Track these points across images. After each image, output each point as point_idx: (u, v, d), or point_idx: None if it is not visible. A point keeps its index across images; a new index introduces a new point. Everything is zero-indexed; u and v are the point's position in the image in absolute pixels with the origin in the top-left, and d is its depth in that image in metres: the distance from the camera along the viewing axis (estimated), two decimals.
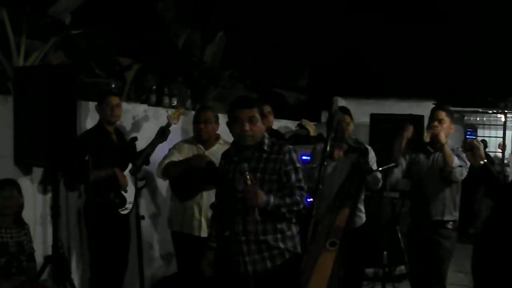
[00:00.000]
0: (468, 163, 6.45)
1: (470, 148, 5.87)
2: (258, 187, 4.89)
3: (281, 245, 5.07)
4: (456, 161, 6.52)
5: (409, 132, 7.00)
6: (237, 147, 5.20)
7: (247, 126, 5.00)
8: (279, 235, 5.06)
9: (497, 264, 4.77)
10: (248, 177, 4.87)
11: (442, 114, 6.75)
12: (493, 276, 4.87)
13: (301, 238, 5.49)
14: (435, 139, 6.68)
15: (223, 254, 5.27)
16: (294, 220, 5.20)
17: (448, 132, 6.78)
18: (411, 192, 7.14)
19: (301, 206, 5.00)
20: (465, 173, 6.60)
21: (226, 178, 5.20)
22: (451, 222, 6.74)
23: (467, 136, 6.01)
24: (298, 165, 5.08)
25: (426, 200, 6.77)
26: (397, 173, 7.00)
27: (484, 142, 15.37)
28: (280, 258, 5.07)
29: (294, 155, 5.08)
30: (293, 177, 5.02)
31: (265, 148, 5.10)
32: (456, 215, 6.77)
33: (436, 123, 6.74)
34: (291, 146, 5.16)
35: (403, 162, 7.02)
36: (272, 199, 4.88)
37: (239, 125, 5.03)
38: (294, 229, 5.21)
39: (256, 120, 5.04)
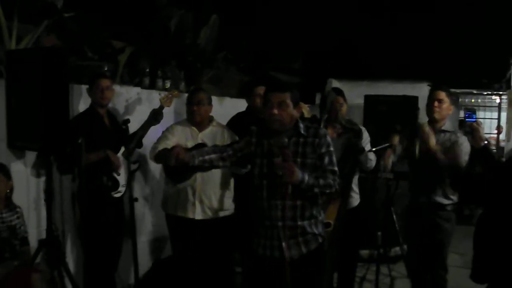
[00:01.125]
0: (467, 147, 6.39)
1: (470, 130, 5.85)
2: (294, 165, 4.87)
3: (315, 230, 5.12)
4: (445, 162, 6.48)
5: (395, 140, 6.98)
6: (269, 131, 5.16)
7: (276, 110, 4.99)
8: (313, 220, 5.11)
9: (498, 238, 4.76)
10: (286, 152, 4.87)
11: (442, 95, 6.69)
12: (493, 248, 4.86)
13: None
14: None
15: (257, 239, 5.24)
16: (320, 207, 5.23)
17: (447, 113, 6.74)
18: (410, 173, 7.11)
19: (333, 189, 5.01)
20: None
21: (258, 159, 5.19)
22: (450, 204, 6.71)
23: (466, 119, 5.97)
24: (331, 148, 5.09)
25: (425, 182, 6.73)
26: (392, 157, 6.99)
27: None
28: (314, 243, 5.12)
29: (329, 139, 5.12)
30: (326, 160, 5.04)
31: (302, 132, 5.10)
32: (455, 197, 6.73)
33: (436, 103, 6.70)
34: (325, 130, 5.23)
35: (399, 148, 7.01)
36: (307, 177, 4.87)
37: (268, 108, 5.03)
38: (323, 214, 5.28)
39: (286, 106, 5.01)
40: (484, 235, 4.94)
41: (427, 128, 6.60)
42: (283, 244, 5.00)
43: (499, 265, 4.76)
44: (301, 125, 5.13)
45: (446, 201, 6.67)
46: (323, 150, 5.04)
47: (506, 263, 4.68)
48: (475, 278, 5.02)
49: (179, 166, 6.11)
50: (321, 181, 4.95)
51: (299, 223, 5.04)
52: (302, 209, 5.04)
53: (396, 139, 6.95)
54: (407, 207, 7.09)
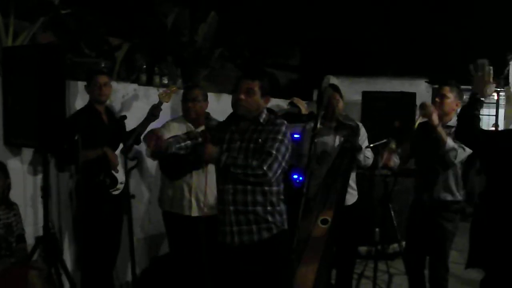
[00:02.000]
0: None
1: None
2: (212, 145, 5.04)
3: (270, 218, 5.07)
4: (449, 143, 6.41)
5: (393, 146, 6.97)
6: (235, 118, 5.25)
7: (242, 96, 5.07)
8: (269, 208, 5.08)
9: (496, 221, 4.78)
10: (205, 135, 5.12)
11: (445, 90, 6.63)
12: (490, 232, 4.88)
13: (293, 216, 5.50)
14: (428, 121, 6.57)
15: (218, 226, 5.28)
16: (282, 196, 5.20)
17: (451, 109, 6.67)
18: (416, 170, 7.07)
19: (259, 171, 4.91)
20: (461, 156, 6.48)
21: (223, 147, 5.21)
22: (455, 205, 6.67)
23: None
24: (281, 137, 5.05)
25: (429, 180, 6.69)
26: (395, 159, 6.98)
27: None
28: (267, 232, 5.08)
29: (282, 128, 5.10)
30: (268, 142, 5.01)
31: (261, 120, 5.14)
32: (459, 196, 6.68)
33: (437, 99, 6.67)
34: (285, 122, 5.19)
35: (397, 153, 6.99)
36: (224, 157, 4.95)
37: (236, 94, 5.12)
38: (283, 205, 5.22)
39: (253, 93, 5.09)
40: (482, 221, 4.97)
41: (430, 105, 6.56)
42: (234, 228, 5.09)
43: (495, 249, 4.78)
44: (263, 116, 5.19)
45: (450, 198, 6.62)
46: (270, 135, 5.04)
47: (503, 247, 4.70)
48: (471, 263, 5.05)
49: (174, 163, 6.13)
50: (240, 161, 4.96)
51: (250, 208, 5.04)
52: (253, 194, 5.04)
53: (393, 144, 6.95)
54: (410, 204, 7.04)
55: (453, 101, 6.60)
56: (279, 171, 5.03)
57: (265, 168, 4.91)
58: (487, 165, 5.11)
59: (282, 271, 5.21)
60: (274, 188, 5.11)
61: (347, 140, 6.81)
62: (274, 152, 4.96)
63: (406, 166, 7.24)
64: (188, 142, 5.28)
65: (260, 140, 5.05)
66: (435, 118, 6.41)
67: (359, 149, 6.78)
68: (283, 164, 5.04)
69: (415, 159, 7.03)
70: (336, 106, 6.92)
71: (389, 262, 8.42)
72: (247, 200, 5.04)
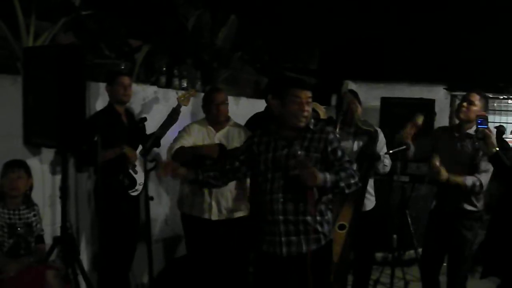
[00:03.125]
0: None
1: (482, 137, 5.88)
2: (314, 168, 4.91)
3: (319, 228, 5.08)
4: (469, 182, 6.42)
5: (419, 120, 6.92)
6: (279, 126, 5.24)
7: (307, 107, 5.08)
8: (318, 217, 5.08)
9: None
10: (301, 157, 4.98)
11: (475, 97, 6.49)
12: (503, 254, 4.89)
13: None
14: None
15: (259, 234, 5.26)
16: (330, 206, 5.23)
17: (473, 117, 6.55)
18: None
19: (357, 178, 5.02)
20: (486, 181, 6.46)
21: (263, 156, 5.22)
22: (475, 212, 6.62)
23: (478, 126, 5.93)
24: (341, 143, 5.22)
25: (452, 189, 6.60)
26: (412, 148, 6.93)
27: (502, 128, 15.30)
28: (316, 243, 5.08)
29: (337, 135, 5.24)
30: (339, 153, 5.09)
31: (311, 127, 5.16)
32: (480, 205, 6.63)
33: (465, 104, 6.58)
34: (331, 127, 5.26)
35: (412, 147, 6.94)
36: (328, 175, 4.89)
37: (298, 105, 5.07)
38: (330, 214, 5.24)
39: (311, 103, 5.15)
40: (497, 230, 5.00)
41: (436, 163, 6.52)
42: (282, 239, 5.05)
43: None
44: (312, 121, 5.22)
45: (470, 208, 6.58)
46: (335, 145, 5.10)
47: None
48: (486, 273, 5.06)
49: (196, 166, 6.14)
50: (342, 174, 4.96)
51: (301, 217, 5.03)
52: (304, 203, 5.02)
53: (420, 119, 6.90)
54: (430, 211, 6.99)
55: (479, 110, 6.46)
56: None
57: (358, 175, 5.07)
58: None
59: (327, 282, 5.22)
60: (324, 197, 5.12)
61: (367, 146, 6.80)
62: (350, 159, 5.17)
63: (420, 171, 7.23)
64: (217, 173, 5.36)
65: (314, 149, 5.09)
66: (444, 174, 6.41)
67: (377, 158, 6.77)
68: None
69: None
70: (355, 111, 6.91)
71: (406, 269, 8.39)
72: (298, 209, 5.03)
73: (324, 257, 5.17)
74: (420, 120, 6.91)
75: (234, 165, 5.40)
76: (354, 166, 5.10)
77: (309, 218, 5.03)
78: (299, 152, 4.99)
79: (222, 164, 5.48)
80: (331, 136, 5.11)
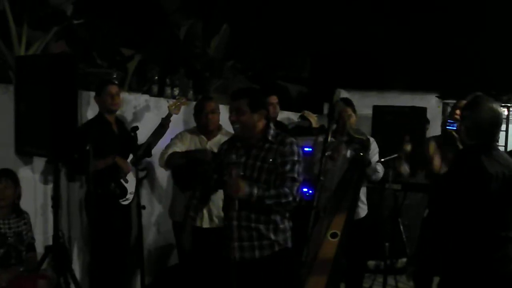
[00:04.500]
0: None
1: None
2: (241, 180, 4.96)
3: (272, 237, 5.08)
4: None
5: (407, 148, 6.95)
6: (240, 137, 5.29)
7: (233, 117, 5.13)
8: (271, 226, 5.09)
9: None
10: (233, 169, 5.00)
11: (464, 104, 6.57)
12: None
13: (302, 229, 5.50)
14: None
15: (220, 239, 5.32)
16: (287, 215, 5.21)
17: None
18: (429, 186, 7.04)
19: (290, 198, 4.97)
20: None
21: (225, 164, 5.25)
22: None
23: (446, 127, 5.97)
24: (297, 158, 5.09)
25: None
26: (406, 167, 6.95)
27: None
28: (269, 249, 5.09)
29: (295, 148, 5.12)
30: (287, 167, 5.03)
31: (270, 138, 5.15)
32: None
33: (457, 111, 6.58)
34: (294, 139, 5.18)
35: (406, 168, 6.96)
36: (255, 190, 4.91)
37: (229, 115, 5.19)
38: (287, 223, 5.24)
39: (242, 113, 5.11)
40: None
41: (432, 148, 6.54)
42: (235, 244, 5.09)
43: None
44: (271, 132, 5.19)
45: None
46: (288, 158, 5.05)
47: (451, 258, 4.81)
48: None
49: (188, 174, 6.15)
50: (273, 192, 4.96)
51: (253, 225, 5.06)
52: (257, 212, 5.03)
53: (408, 147, 6.93)
54: (423, 218, 7.00)
55: None
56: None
57: (295, 195, 5.00)
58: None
59: None
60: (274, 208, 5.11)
61: (357, 154, 6.81)
62: (296, 176, 5.03)
63: (415, 179, 7.24)
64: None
65: (270, 160, 5.07)
66: (436, 165, 6.44)
67: (368, 163, 6.79)
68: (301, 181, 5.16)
69: (426, 174, 7.02)
70: (347, 120, 6.91)
71: (398, 277, 8.39)
72: (250, 216, 5.05)
73: (278, 265, 5.14)
74: (408, 148, 6.94)
75: (208, 173, 5.49)
76: (296, 185, 5.00)
77: (261, 226, 5.06)
78: (233, 156, 5.03)
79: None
80: (287, 148, 5.07)
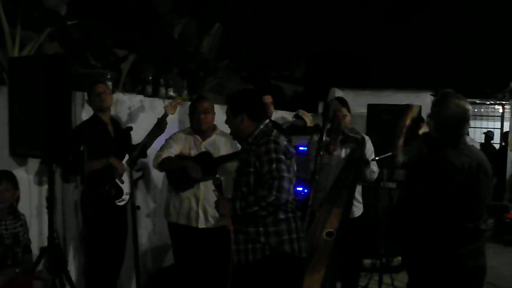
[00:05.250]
0: None
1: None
2: (223, 200, 5.16)
3: (262, 239, 5.04)
4: None
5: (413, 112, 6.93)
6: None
7: (225, 122, 5.34)
8: (261, 229, 5.05)
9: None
10: (215, 191, 5.22)
11: None
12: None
13: None
14: None
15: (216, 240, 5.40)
16: (282, 216, 5.10)
17: None
18: None
19: (271, 198, 4.90)
20: None
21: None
22: None
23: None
24: (273, 155, 4.99)
25: None
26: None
27: (490, 134, 15.36)
28: (260, 253, 5.07)
29: (270, 146, 5.03)
30: (265, 168, 4.98)
31: (250, 140, 5.21)
32: None
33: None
34: (271, 137, 5.11)
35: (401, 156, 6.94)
36: (238, 204, 4.99)
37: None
38: (284, 226, 5.11)
39: (227, 118, 5.35)
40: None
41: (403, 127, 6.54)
42: (233, 247, 5.14)
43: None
44: (255, 133, 5.22)
45: None
46: (263, 158, 5.00)
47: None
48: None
49: (183, 174, 6.15)
50: (251, 198, 4.97)
51: (243, 228, 5.08)
52: (246, 215, 5.04)
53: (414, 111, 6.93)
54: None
55: None
56: (291, 186, 5.06)
57: (274, 193, 4.89)
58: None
59: None
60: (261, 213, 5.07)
61: (355, 150, 6.81)
62: (275, 174, 4.93)
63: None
64: None
65: (246, 163, 5.11)
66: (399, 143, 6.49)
67: (366, 162, 6.79)
68: (292, 177, 5.07)
69: None
70: (342, 119, 6.91)
71: (394, 275, 8.39)
72: (241, 220, 5.07)
73: (269, 268, 5.08)
74: (414, 111, 6.93)
75: None
76: (277, 182, 4.96)
77: (251, 229, 5.06)
78: (217, 176, 5.17)
79: None
80: (262, 148, 5.03)
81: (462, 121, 4.83)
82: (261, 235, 5.05)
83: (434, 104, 4.95)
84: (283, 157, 5.03)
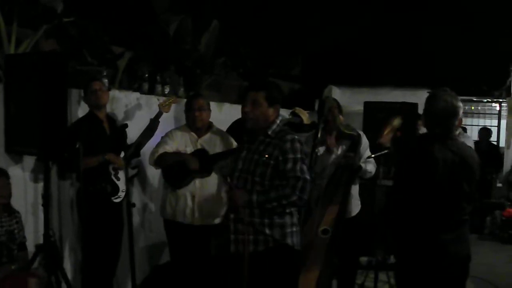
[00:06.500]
0: None
1: None
2: (238, 189, 5.04)
3: (267, 231, 5.04)
4: None
5: (396, 123, 6.95)
6: (248, 130, 5.31)
7: (247, 108, 5.11)
8: (266, 220, 5.04)
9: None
10: (228, 182, 5.16)
11: None
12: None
13: None
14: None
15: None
16: (288, 210, 5.13)
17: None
18: None
19: (294, 198, 4.94)
20: None
21: (233, 157, 5.39)
22: None
23: None
24: (299, 155, 5.03)
25: None
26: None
27: (489, 131, 15.36)
28: (263, 244, 5.06)
29: (297, 145, 5.06)
30: (288, 165, 4.98)
31: (269, 133, 5.13)
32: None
33: None
34: (296, 136, 5.14)
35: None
36: (255, 197, 4.95)
37: (243, 106, 5.17)
38: (288, 219, 5.14)
39: (259, 105, 5.11)
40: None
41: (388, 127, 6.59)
42: (232, 236, 5.14)
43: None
44: (274, 127, 5.19)
45: None
46: (288, 155, 5.01)
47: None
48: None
49: (178, 172, 6.14)
50: (273, 194, 4.96)
51: (247, 218, 5.04)
52: (265, 209, 5.03)
53: (397, 122, 6.94)
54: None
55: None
56: (309, 188, 5.08)
57: (298, 193, 4.95)
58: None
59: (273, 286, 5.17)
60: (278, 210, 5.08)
61: (346, 162, 6.82)
62: (299, 175, 4.98)
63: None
64: None
65: (266, 155, 5.05)
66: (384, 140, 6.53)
67: (358, 168, 6.80)
68: (309, 178, 5.08)
69: None
70: (337, 116, 6.90)
71: (390, 273, 8.39)
72: (247, 211, 5.03)
73: (271, 260, 5.07)
74: (396, 122, 6.95)
75: None
76: (301, 183, 4.97)
77: (256, 220, 5.05)
78: (224, 168, 5.16)
79: None
80: (288, 145, 5.03)
81: (449, 117, 4.93)
82: (266, 226, 5.04)
83: (426, 101, 5.07)
84: (305, 157, 5.12)
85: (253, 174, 5.07)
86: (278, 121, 5.22)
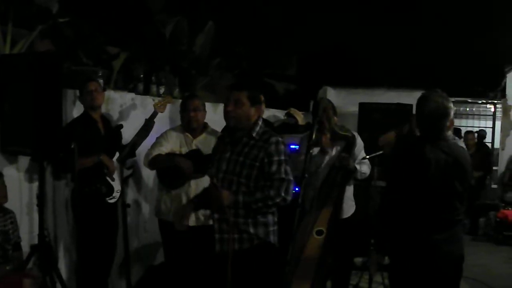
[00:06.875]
0: None
1: None
2: (223, 190, 5.00)
3: (251, 230, 5.06)
4: None
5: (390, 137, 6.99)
6: (230, 129, 5.27)
7: (230, 107, 5.10)
8: (250, 220, 5.06)
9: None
10: (213, 183, 5.10)
11: None
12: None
13: (287, 226, 5.49)
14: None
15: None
16: (272, 210, 5.16)
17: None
18: None
19: (277, 199, 4.97)
20: None
21: (216, 157, 5.29)
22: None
23: None
24: (283, 157, 5.05)
25: None
26: None
27: (483, 132, 15.38)
28: (248, 243, 5.08)
29: (281, 147, 5.07)
30: (273, 168, 5.01)
31: (254, 135, 5.13)
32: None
33: None
34: (280, 138, 5.14)
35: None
36: (240, 198, 4.96)
37: (225, 106, 5.15)
38: (271, 218, 5.18)
39: (242, 104, 5.10)
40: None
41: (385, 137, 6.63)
42: (216, 236, 5.14)
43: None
44: (257, 129, 5.18)
45: None
46: (273, 158, 5.03)
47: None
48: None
49: (173, 173, 6.14)
50: (259, 195, 4.98)
51: (232, 219, 5.02)
52: (250, 209, 5.04)
53: (391, 137, 6.95)
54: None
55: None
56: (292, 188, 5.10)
57: (283, 195, 4.97)
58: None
59: (258, 283, 5.19)
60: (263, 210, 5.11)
61: (342, 157, 6.82)
62: (284, 176, 5.00)
63: None
64: None
65: (252, 156, 5.06)
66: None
67: (353, 170, 6.81)
68: (292, 180, 5.10)
69: None
70: (331, 116, 6.91)
71: (384, 274, 8.40)
72: (231, 211, 5.04)
73: (257, 258, 5.11)
74: (391, 137, 6.98)
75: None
76: (285, 185, 5.00)
77: (241, 220, 5.05)
78: (212, 169, 5.20)
79: None
80: (272, 147, 5.05)
81: (441, 118, 4.95)
82: (250, 225, 5.06)
83: (417, 102, 5.10)
84: (288, 158, 5.13)
85: (239, 175, 5.07)
86: (260, 122, 5.23)
